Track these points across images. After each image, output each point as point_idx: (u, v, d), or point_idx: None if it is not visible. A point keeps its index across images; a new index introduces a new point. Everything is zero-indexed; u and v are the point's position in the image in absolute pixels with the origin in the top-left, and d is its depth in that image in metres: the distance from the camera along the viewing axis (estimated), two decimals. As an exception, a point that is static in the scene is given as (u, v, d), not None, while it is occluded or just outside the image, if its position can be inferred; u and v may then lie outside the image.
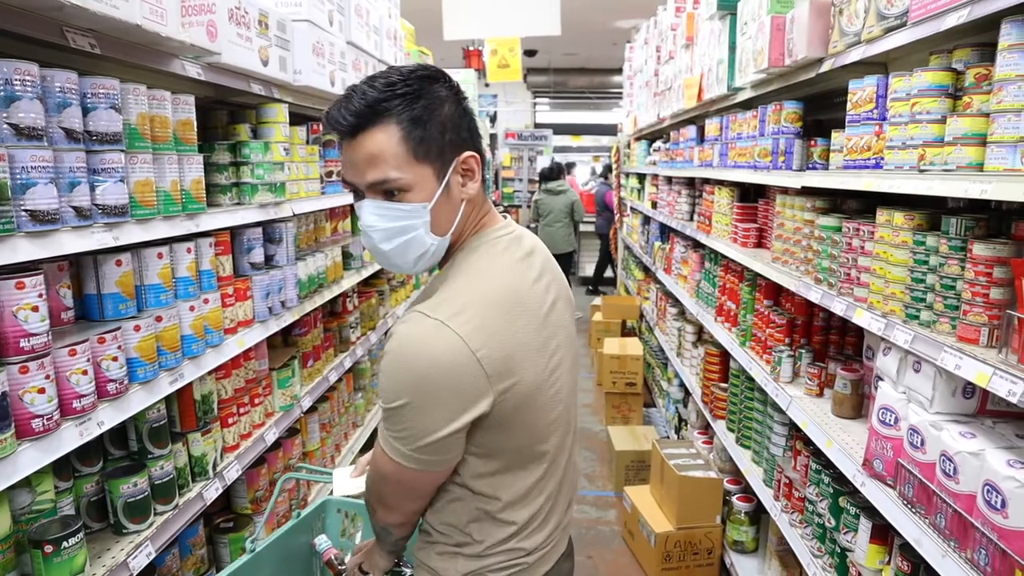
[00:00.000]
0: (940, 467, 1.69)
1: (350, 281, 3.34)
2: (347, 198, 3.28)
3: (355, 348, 3.48)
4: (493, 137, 12.38)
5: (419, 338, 1.20)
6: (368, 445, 4.01)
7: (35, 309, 1.42)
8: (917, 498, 1.78)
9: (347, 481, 1.71)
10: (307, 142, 2.96)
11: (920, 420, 1.80)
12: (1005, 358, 1.54)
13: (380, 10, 3.60)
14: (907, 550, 1.87)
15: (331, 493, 1.88)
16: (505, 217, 1.46)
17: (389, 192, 1.24)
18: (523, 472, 1.35)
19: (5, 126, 1.35)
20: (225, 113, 2.48)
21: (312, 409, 3.00)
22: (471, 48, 9.93)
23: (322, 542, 1.82)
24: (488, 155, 9.42)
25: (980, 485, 1.54)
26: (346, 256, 3.38)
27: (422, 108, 1.23)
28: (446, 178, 1.28)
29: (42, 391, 1.42)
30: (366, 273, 3.62)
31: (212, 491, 2.08)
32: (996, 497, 1.48)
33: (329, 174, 3.10)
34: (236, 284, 2.24)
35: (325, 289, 2.99)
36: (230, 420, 2.26)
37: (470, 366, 1.19)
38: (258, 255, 2.42)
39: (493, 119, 14.45)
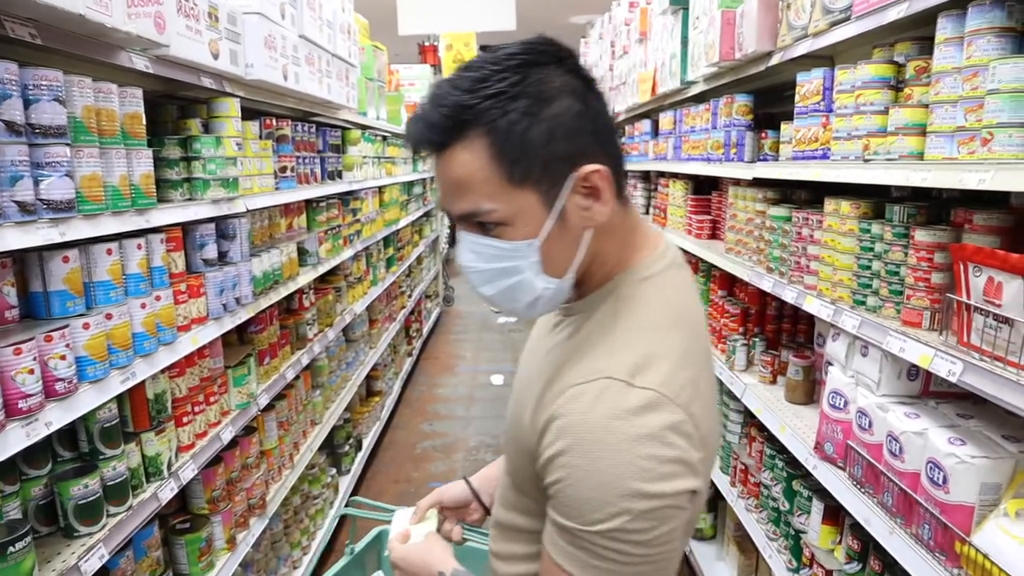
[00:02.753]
0: (887, 447, 1.75)
1: (306, 278, 3.30)
2: (302, 193, 3.24)
3: (312, 345, 3.45)
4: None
5: (629, 422, 0.89)
6: (328, 442, 3.98)
7: (-23, 307, 1.38)
8: (866, 478, 1.84)
9: (405, 529, 1.44)
10: (260, 137, 2.92)
11: (868, 403, 1.86)
12: (946, 340, 1.60)
13: (333, 4, 3.57)
14: (857, 529, 1.93)
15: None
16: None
17: (484, 225, 0.97)
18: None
19: (-58, 118, 1.31)
20: (175, 108, 2.43)
21: (269, 407, 2.96)
22: (426, 43, 9.90)
23: None
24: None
25: (923, 463, 1.60)
26: (301, 252, 3.34)
27: (521, 111, 0.91)
28: (559, 203, 0.96)
29: (-14, 391, 1.38)
30: (322, 269, 3.59)
31: (167, 491, 2.05)
32: (938, 473, 1.53)
33: (283, 169, 3.06)
34: (189, 281, 2.20)
35: (281, 286, 2.95)
36: (185, 419, 2.22)
37: (693, 438, 0.92)
38: (211, 251, 2.38)
39: (450, 115, 14.39)
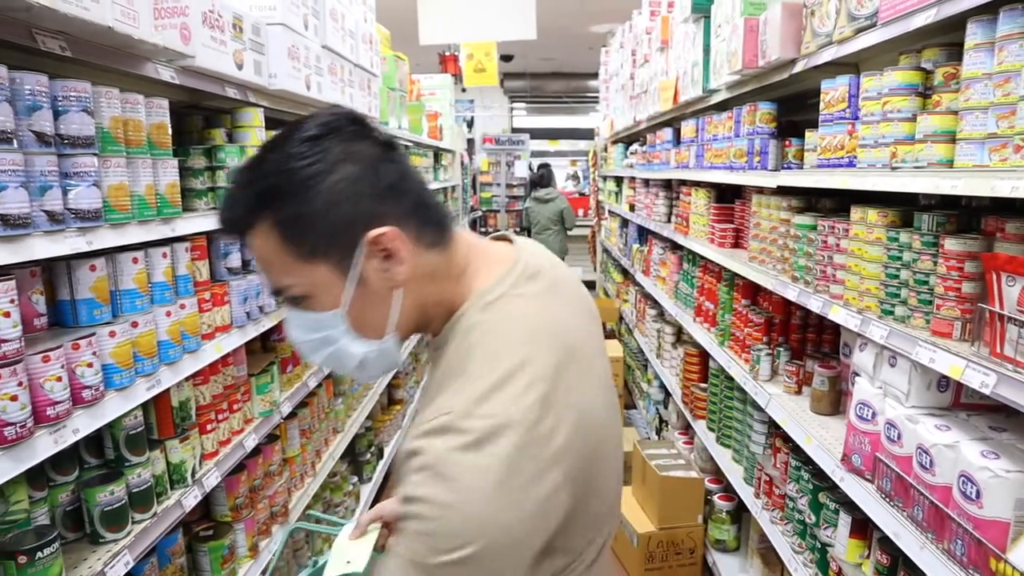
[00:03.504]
0: (917, 460, 1.71)
1: (329, 286, 3.31)
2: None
3: (334, 353, 3.46)
4: (471, 142, 12.39)
5: (473, 454, 0.86)
6: (350, 450, 3.98)
7: (6, 315, 1.39)
8: (895, 491, 1.80)
9: (344, 550, 1.39)
10: (284, 146, 2.94)
11: (896, 414, 1.83)
12: (978, 351, 1.57)
13: (355, 14, 3.59)
14: (886, 543, 1.89)
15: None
16: (509, 240, 1.15)
17: (295, 299, 1.00)
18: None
19: (-26, 129, 1.33)
20: (200, 117, 2.46)
21: (292, 415, 2.97)
22: (447, 53, 9.94)
23: None
24: (465, 160, 9.40)
25: (955, 476, 1.56)
26: (324, 261, 3.36)
27: (298, 187, 0.92)
28: (355, 271, 0.96)
29: (15, 398, 1.39)
30: (345, 278, 3.60)
31: (191, 499, 2.06)
32: (971, 488, 1.50)
33: (306, 178, 3.08)
34: (213, 289, 2.22)
35: (303, 294, 2.96)
36: (209, 426, 2.23)
37: (540, 459, 0.89)
38: (235, 260, 2.40)
39: (470, 124, 14.49)
